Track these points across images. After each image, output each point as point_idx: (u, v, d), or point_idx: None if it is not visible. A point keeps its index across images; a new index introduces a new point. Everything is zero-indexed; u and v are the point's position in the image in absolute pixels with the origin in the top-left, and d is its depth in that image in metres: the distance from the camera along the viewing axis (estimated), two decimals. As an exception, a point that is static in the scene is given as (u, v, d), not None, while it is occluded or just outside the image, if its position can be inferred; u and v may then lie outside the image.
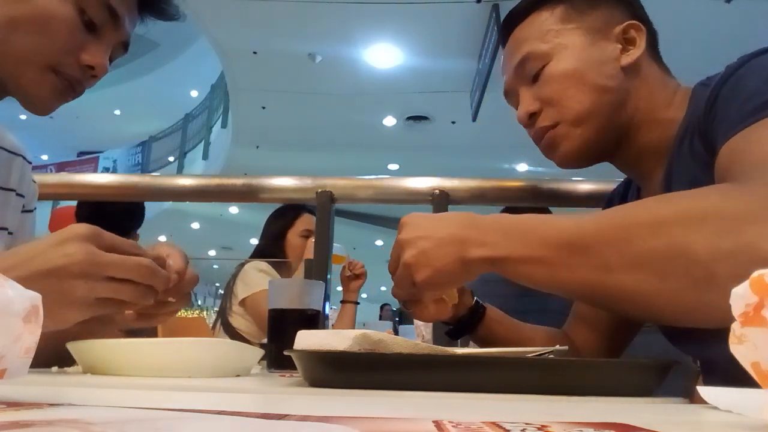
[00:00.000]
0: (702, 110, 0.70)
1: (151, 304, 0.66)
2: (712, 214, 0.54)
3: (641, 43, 0.81)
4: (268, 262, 2.12)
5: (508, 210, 2.27)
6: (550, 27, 0.84)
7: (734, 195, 0.55)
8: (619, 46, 0.82)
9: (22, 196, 0.92)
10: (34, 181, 0.97)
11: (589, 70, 0.81)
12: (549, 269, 0.62)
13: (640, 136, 0.82)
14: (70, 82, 0.79)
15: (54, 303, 0.57)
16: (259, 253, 2.23)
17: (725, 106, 0.67)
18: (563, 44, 0.83)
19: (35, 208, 0.98)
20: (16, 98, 0.79)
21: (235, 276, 2.13)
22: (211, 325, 2.37)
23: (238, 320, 2.06)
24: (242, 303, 2.05)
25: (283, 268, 2.15)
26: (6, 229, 0.88)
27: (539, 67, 0.83)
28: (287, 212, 2.26)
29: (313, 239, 2.14)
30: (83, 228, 0.60)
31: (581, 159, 0.85)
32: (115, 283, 0.61)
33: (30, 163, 0.95)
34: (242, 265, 2.17)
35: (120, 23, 0.80)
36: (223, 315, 2.11)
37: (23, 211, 0.93)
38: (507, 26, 0.89)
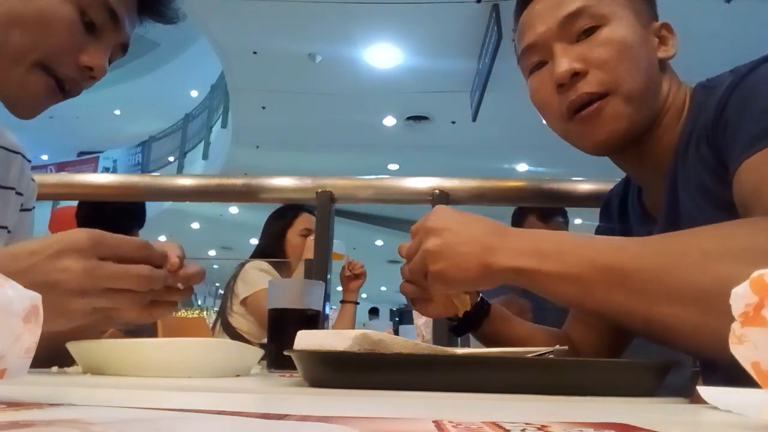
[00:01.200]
0: (710, 116, 0.69)
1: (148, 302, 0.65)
2: (757, 252, 0.53)
3: (674, 44, 0.81)
4: (269, 262, 2.12)
5: (519, 210, 2.27)
6: None
7: None
8: (656, 39, 0.80)
9: (21, 194, 0.92)
10: (33, 180, 0.97)
11: (641, 47, 0.77)
12: (583, 289, 0.61)
13: (656, 135, 0.80)
14: (64, 83, 0.78)
15: (49, 314, 0.56)
16: (259, 253, 2.23)
17: (737, 118, 0.65)
18: (619, 15, 0.77)
19: (34, 207, 0.97)
20: (5, 104, 0.77)
21: (235, 276, 2.13)
22: (211, 325, 2.37)
23: (239, 320, 2.06)
24: (243, 302, 2.05)
25: (284, 268, 2.15)
26: (5, 227, 0.88)
27: (590, 25, 0.77)
28: (286, 212, 2.27)
29: (312, 238, 2.16)
30: (83, 237, 0.59)
31: (619, 143, 0.79)
32: (113, 293, 0.60)
33: (29, 161, 0.95)
34: (242, 265, 2.17)
35: (120, 25, 0.79)
36: (223, 315, 2.11)
37: (22, 210, 0.93)
38: None
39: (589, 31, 0.77)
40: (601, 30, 0.77)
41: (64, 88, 0.79)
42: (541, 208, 2.18)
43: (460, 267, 0.65)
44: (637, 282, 0.58)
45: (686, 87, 0.81)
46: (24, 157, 0.93)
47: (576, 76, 0.76)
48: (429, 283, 0.70)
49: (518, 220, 2.24)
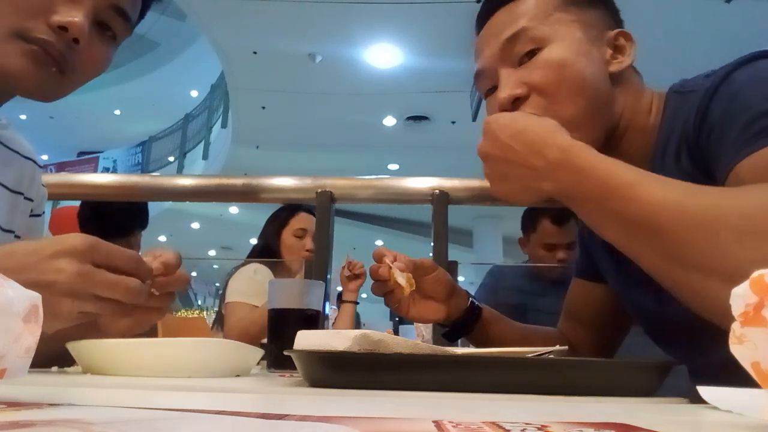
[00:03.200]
0: (690, 124, 0.68)
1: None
2: None
3: (630, 53, 0.79)
4: (266, 263, 2.12)
5: (530, 212, 2.22)
6: (551, 12, 0.78)
7: None
8: (610, 51, 0.78)
9: (31, 200, 0.92)
10: (44, 185, 0.97)
11: (584, 67, 0.76)
12: (625, 238, 0.62)
13: (621, 144, 0.80)
14: (46, 50, 0.71)
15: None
16: (256, 253, 2.23)
17: (722, 124, 0.64)
18: (562, 33, 0.77)
19: (44, 212, 0.98)
20: (12, 86, 0.73)
21: (229, 276, 2.13)
22: (211, 325, 2.37)
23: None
24: (224, 307, 2.06)
25: (280, 268, 2.15)
26: (13, 232, 0.88)
27: (531, 48, 0.77)
28: (282, 212, 2.26)
29: (306, 239, 2.16)
30: (80, 241, 0.59)
31: None
32: (101, 300, 0.60)
33: (41, 167, 0.94)
34: (237, 267, 2.17)
35: None
36: (220, 315, 2.11)
37: (31, 215, 0.93)
38: None
39: (531, 54, 0.77)
40: (542, 52, 0.76)
41: (55, 58, 0.71)
42: (554, 210, 2.10)
43: (515, 190, 0.73)
44: (671, 244, 0.57)
45: (654, 93, 0.80)
46: (36, 163, 0.93)
47: (518, 100, 0.77)
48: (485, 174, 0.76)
49: (530, 224, 2.18)
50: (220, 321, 2.10)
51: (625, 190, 0.61)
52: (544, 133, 0.68)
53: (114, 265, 0.61)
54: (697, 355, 0.74)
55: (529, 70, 0.77)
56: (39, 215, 0.95)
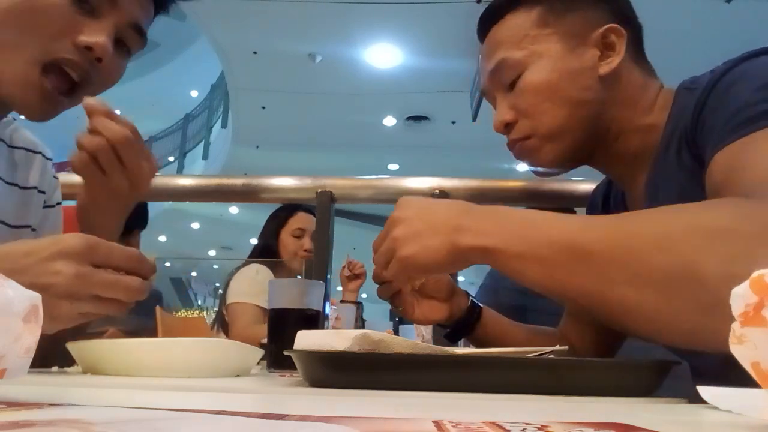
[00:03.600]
0: (689, 118, 0.68)
1: None
2: (724, 234, 0.50)
3: (621, 49, 0.78)
4: (266, 263, 2.12)
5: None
6: (526, 32, 0.80)
7: (747, 213, 0.51)
8: (598, 52, 0.78)
9: (44, 192, 0.93)
10: (56, 177, 0.97)
11: (564, 82, 0.78)
12: (546, 270, 0.59)
13: (618, 144, 0.80)
14: (68, 77, 0.74)
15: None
16: (257, 253, 2.22)
17: (713, 115, 0.65)
18: (539, 52, 0.79)
19: (59, 203, 0.97)
20: (12, 105, 0.76)
21: (230, 276, 2.13)
22: (210, 325, 2.37)
23: None
24: (226, 308, 2.06)
25: (280, 268, 2.15)
26: (29, 226, 0.89)
27: (515, 76, 0.80)
28: (281, 211, 2.26)
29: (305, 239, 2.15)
30: (77, 241, 0.59)
31: (553, 169, 0.84)
32: (100, 300, 0.60)
33: (50, 159, 0.95)
34: (238, 268, 2.16)
35: (117, 2, 0.75)
36: (221, 316, 2.11)
37: (45, 207, 0.93)
38: (483, 25, 0.85)
39: (515, 80, 0.81)
40: (523, 77, 0.80)
41: (74, 81, 0.75)
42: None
43: (428, 249, 0.65)
44: (597, 262, 0.56)
45: (662, 89, 0.80)
46: (44, 155, 0.94)
47: (509, 125, 0.83)
48: (396, 271, 0.69)
49: None
50: (221, 321, 2.10)
51: (547, 223, 0.61)
52: (462, 201, 0.69)
53: (114, 265, 0.61)
54: (700, 352, 0.74)
55: (514, 96, 0.81)
56: (52, 206, 0.95)
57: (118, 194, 0.76)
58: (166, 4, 0.84)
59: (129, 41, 0.80)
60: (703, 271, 0.49)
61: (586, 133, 0.79)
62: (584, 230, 0.58)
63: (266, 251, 2.19)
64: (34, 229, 0.90)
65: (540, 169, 0.85)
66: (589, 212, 1.00)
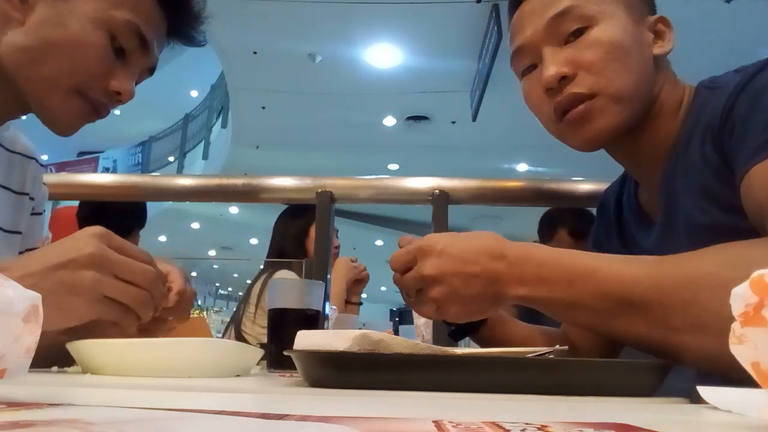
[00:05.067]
0: (717, 116, 0.68)
1: (149, 320, 0.67)
2: None
3: (670, 39, 0.79)
4: (285, 263, 2.08)
5: (549, 218, 2.16)
6: None
7: None
8: (651, 35, 0.79)
9: (33, 199, 0.94)
10: (45, 184, 0.98)
11: (634, 48, 0.76)
12: (600, 319, 0.60)
13: (650, 127, 0.80)
14: (95, 105, 0.81)
15: (63, 293, 0.59)
16: (278, 254, 2.19)
17: (745, 122, 0.64)
18: (610, 13, 0.76)
19: (44, 211, 0.99)
20: (40, 118, 0.80)
21: (260, 282, 2.06)
22: (210, 325, 2.35)
23: (257, 329, 2.02)
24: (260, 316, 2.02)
25: (299, 268, 2.12)
26: (20, 233, 0.90)
27: (581, 27, 0.76)
28: (304, 211, 2.19)
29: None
30: (96, 228, 0.63)
31: (609, 139, 0.79)
32: (121, 282, 0.62)
33: (43, 166, 0.96)
34: (265, 271, 2.11)
35: (148, 50, 0.82)
36: (238, 322, 2.03)
37: (32, 214, 0.94)
38: None
39: (578, 33, 0.76)
40: (590, 31, 0.76)
41: (97, 110, 0.82)
42: (574, 222, 2.07)
43: (474, 310, 0.67)
44: (655, 312, 0.57)
45: (685, 85, 0.81)
46: (37, 161, 0.95)
47: (564, 79, 0.76)
48: (436, 317, 0.70)
49: (548, 231, 2.13)
50: (238, 328, 2.04)
51: (593, 273, 0.61)
52: (492, 240, 0.67)
53: (128, 254, 0.64)
54: None
55: (576, 49, 0.76)
56: (39, 214, 0.97)
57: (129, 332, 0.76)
58: (175, 41, 0.90)
59: (141, 77, 0.87)
60: None
61: (644, 106, 0.78)
62: (636, 280, 0.58)
63: (288, 253, 2.15)
64: (22, 236, 0.91)
65: (593, 141, 0.79)
66: (600, 212, 1.00)
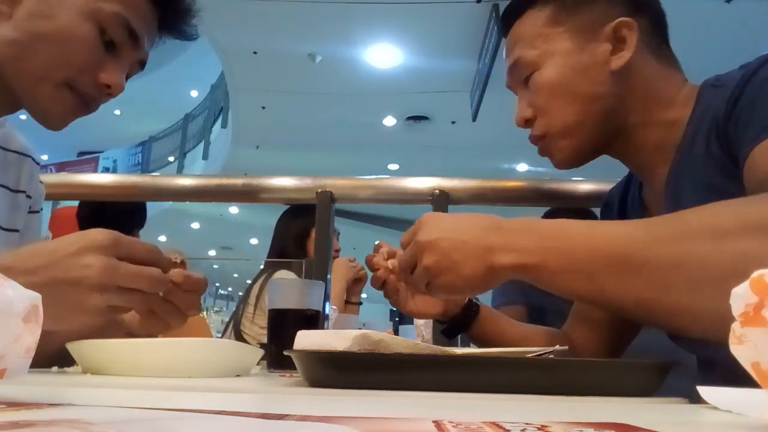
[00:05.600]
0: (722, 112, 0.67)
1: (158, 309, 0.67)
2: None
3: (632, 43, 0.78)
4: (285, 263, 2.08)
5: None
6: (539, 31, 0.81)
7: None
8: (610, 46, 0.78)
9: (30, 197, 0.93)
10: (41, 182, 0.98)
11: (576, 78, 0.79)
12: (595, 284, 0.58)
13: (637, 137, 0.80)
14: (85, 99, 0.80)
15: (68, 311, 0.59)
16: (279, 254, 2.18)
17: (750, 109, 0.64)
18: (551, 51, 0.80)
19: (41, 209, 0.99)
20: (30, 112, 0.80)
21: (259, 282, 2.06)
22: (210, 325, 2.35)
23: (256, 331, 2.02)
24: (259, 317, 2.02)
25: (299, 268, 2.12)
26: (17, 231, 0.89)
27: (528, 74, 0.82)
28: (306, 211, 2.19)
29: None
30: (102, 237, 0.61)
31: (575, 164, 0.84)
32: (127, 292, 0.62)
33: (38, 164, 0.96)
34: (264, 271, 2.11)
35: (139, 44, 0.81)
36: (237, 322, 2.03)
37: (30, 212, 0.94)
38: (504, 21, 0.87)
39: (527, 79, 0.83)
40: (534, 76, 0.82)
41: (87, 104, 0.81)
42: (567, 218, 2.11)
43: (464, 276, 0.64)
44: (652, 270, 0.55)
45: (686, 83, 0.80)
46: (33, 159, 0.95)
47: (528, 121, 0.84)
48: (433, 293, 0.69)
49: None
50: (237, 328, 2.04)
51: (587, 231, 0.60)
52: (488, 217, 0.67)
53: (135, 258, 0.63)
54: (712, 349, 0.73)
55: (530, 93, 0.83)
56: (37, 212, 0.96)
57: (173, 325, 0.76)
58: (167, 35, 0.89)
59: (132, 71, 0.85)
60: (759, 264, 0.49)
61: (601, 128, 0.80)
62: (631, 237, 0.57)
63: (289, 253, 2.15)
64: (20, 234, 0.91)
65: (561, 168, 0.86)
66: (604, 213, 1.00)
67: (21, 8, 0.75)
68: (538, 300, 1.77)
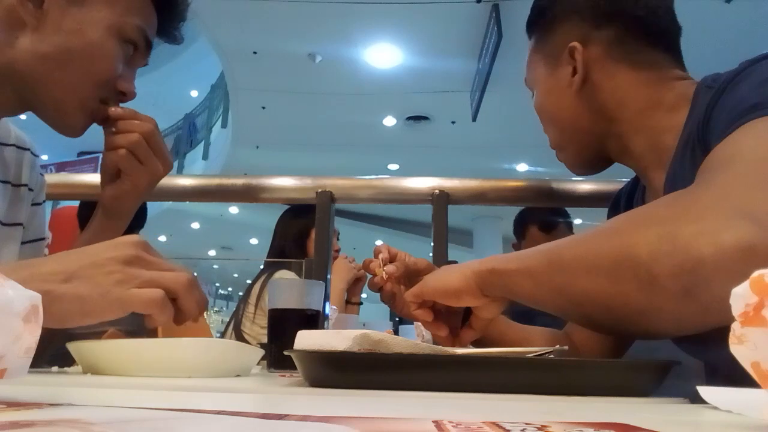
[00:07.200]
0: (701, 117, 0.68)
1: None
2: (654, 219, 0.56)
3: (580, 66, 0.82)
4: (285, 263, 2.08)
5: (521, 219, 2.27)
6: (530, 58, 0.90)
7: (678, 199, 0.57)
8: (570, 68, 0.83)
9: (32, 189, 0.94)
10: (42, 174, 0.98)
11: (551, 102, 0.87)
12: (533, 280, 0.65)
13: (627, 144, 0.81)
14: (101, 107, 0.83)
15: (95, 289, 0.57)
16: (279, 254, 2.18)
17: (719, 114, 0.65)
18: (535, 77, 0.89)
19: (44, 201, 0.99)
20: (47, 120, 0.82)
21: (260, 282, 2.06)
22: (210, 325, 2.35)
23: (257, 330, 2.01)
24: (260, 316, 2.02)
25: (299, 268, 2.11)
26: (21, 224, 0.90)
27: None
28: (306, 211, 2.19)
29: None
30: (136, 237, 0.63)
31: (586, 170, 0.91)
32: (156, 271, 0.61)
33: (37, 156, 0.96)
34: (264, 271, 2.11)
35: (149, 51, 0.85)
36: (238, 321, 2.03)
37: (32, 204, 0.94)
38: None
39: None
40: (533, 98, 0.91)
41: (102, 110, 0.84)
42: (543, 217, 2.21)
43: (447, 278, 0.74)
44: (565, 260, 0.61)
45: (676, 80, 0.79)
46: (32, 152, 0.95)
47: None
48: (416, 293, 0.78)
49: (521, 230, 2.21)
50: (237, 328, 2.04)
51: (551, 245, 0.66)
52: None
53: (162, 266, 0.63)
54: (713, 352, 0.73)
55: None
56: (39, 204, 0.97)
57: (157, 177, 0.87)
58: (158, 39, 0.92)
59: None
60: (637, 251, 0.54)
61: (589, 143, 0.86)
62: (566, 240, 0.64)
63: (289, 253, 2.15)
64: (24, 227, 0.91)
65: (577, 174, 0.94)
66: (612, 211, 1.00)
67: (48, 20, 0.76)
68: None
